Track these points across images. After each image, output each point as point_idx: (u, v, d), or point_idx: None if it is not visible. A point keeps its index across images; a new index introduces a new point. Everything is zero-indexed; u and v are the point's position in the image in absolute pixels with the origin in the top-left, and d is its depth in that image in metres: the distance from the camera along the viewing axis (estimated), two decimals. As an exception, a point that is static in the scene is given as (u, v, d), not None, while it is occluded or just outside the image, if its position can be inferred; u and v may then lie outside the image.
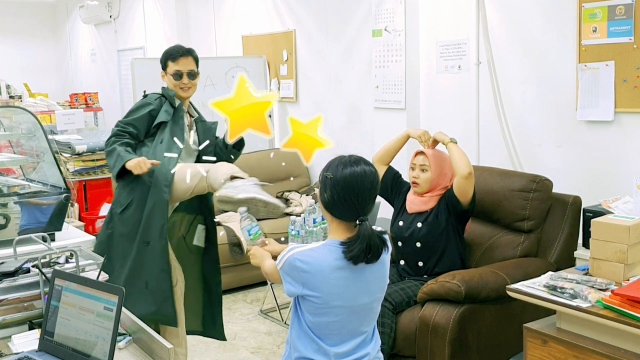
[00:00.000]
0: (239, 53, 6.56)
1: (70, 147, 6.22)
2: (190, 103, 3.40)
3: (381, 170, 3.42)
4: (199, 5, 7.32)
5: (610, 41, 3.36)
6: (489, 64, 4.04)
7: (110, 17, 9.27)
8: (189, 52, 3.32)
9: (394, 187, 3.45)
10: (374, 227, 1.99)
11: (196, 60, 3.35)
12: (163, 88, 3.32)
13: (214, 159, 3.15)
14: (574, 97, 3.58)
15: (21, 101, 9.23)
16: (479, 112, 4.15)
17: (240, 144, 3.34)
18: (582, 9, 3.46)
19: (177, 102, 3.28)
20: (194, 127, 3.36)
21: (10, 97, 9.68)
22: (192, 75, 3.29)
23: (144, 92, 3.38)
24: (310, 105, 5.77)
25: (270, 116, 6.64)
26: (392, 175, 3.46)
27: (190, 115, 3.37)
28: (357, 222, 1.95)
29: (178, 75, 3.25)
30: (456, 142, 3.22)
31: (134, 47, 8.79)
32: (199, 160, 3.28)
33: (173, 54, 3.28)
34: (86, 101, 8.92)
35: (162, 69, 3.33)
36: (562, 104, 3.68)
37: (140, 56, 8.26)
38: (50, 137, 4.29)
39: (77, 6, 10.19)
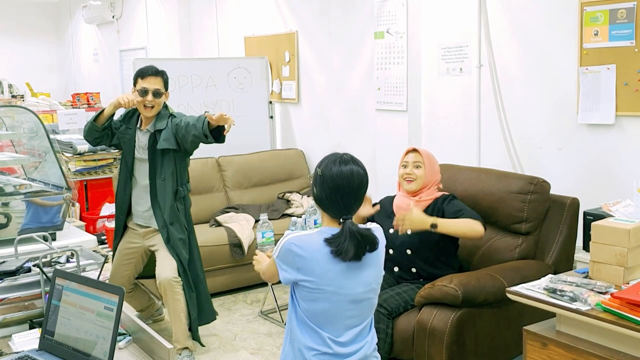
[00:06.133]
0: (242, 54, 6.57)
1: (71, 147, 6.23)
2: (158, 116, 3.55)
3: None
4: (201, 6, 7.32)
5: (612, 45, 3.36)
6: (491, 66, 4.04)
7: (113, 17, 9.28)
8: (159, 73, 3.56)
9: (384, 215, 3.23)
10: (361, 225, 2.04)
11: (165, 82, 3.57)
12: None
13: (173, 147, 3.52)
14: (575, 100, 3.58)
15: (23, 101, 9.25)
16: (480, 114, 4.15)
17: (219, 134, 3.38)
18: (584, 12, 3.46)
19: (138, 125, 3.59)
20: (148, 143, 3.56)
21: (13, 96, 9.69)
22: (158, 94, 3.51)
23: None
24: (312, 106, 5.77)
25: (271, 117, 6.68)
26: (376, 217, 3.14)
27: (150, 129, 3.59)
28: (341, 220, 2.01)
29: (143, 92, 3.49)
30: (436, 227, 3.01)
31: (136, 47, 8.80)
32: (153, 157, 3.55)
33: (143, 72, 3.54)
34: (88, 101, 8.93)
35: (133, 85, 3.56)
36: (563, 107, 3.68)
37: (142, 56, 8.27)
38: (52, 136, 4.30)
39: (80, 6, 10.21)
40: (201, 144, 3.49)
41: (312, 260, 1.97)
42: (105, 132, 3.59)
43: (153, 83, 3.50)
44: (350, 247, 1.96)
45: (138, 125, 3.61)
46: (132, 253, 3.77)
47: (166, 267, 3.57)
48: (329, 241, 1.98)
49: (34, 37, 11.26)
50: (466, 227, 3.01)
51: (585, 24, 3.47)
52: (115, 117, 3.64)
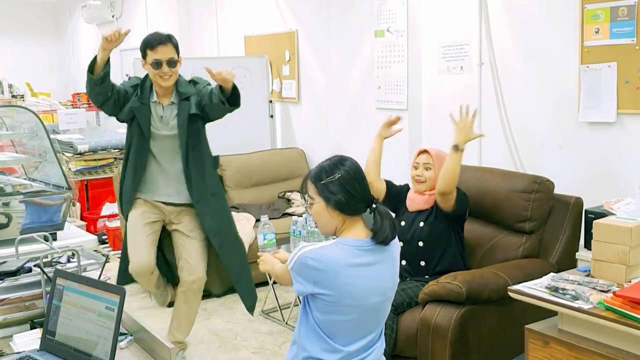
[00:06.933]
0: (242, 53, 6.56)
1: (72, 147, 6.23)
2: (177, 82, 3.29)
3: (382, 186, 3.42)
4: (201, 5, 7.32)
5: (613, 42, 3.36)
6: (491, 65, 4.03)
7: (113, 16, 9.27)
8: (168, 39, 3.23)
9: (399, 196, 3.45)
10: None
11: (176, 47, 3.26)
12: (145, 77, 3.30)
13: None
14: (576, 98, 3.57)
15: (23, 100, 9.24)
16: (481, 113, 4.14)
17: (236, 97, 3.20)
18: (585, 10, 3.46)
19: (152, 98, 3.29)
20: (175, 113, 3.28)
21: (13, 96, 9.69)
22: (172, 63, 3.22)
23: (127, 75, 3.37)
24: (312, 105, 5.77)
25: (272, 116, 6.66)
26: (394, 188, 3.47)
27: (174, 101, 3.31)
28: (373, 205, 2.04)
29: (157, 64, 3.20)
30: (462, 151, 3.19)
31: (136, 47, 8.73)
32: (185, 126, 3.27)
33: (151, 43, 3.21)
34: (88, 101, 8.91)
35: (142, 57, 3.28)
36: (564, 105, 3.67)
37: (142, 56, 8.27)
38: (52, 136, 4.31)
39: (79, 6, 10.20)
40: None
41: (329, 273, 1.94)
42: (107, 88, 3.29)
43: (165, 53, 3.19)
44: (387, 226, 1.99)
45: (153, 99, 3.31)
46: (153, 225, 3.41)
47: (199, 263, 3.36)
48: (374, 231, 1.99)
49: (33, 37, 11.24)
50: (457, 172, 3.14)
51: (586, 22, 3.46)
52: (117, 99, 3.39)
